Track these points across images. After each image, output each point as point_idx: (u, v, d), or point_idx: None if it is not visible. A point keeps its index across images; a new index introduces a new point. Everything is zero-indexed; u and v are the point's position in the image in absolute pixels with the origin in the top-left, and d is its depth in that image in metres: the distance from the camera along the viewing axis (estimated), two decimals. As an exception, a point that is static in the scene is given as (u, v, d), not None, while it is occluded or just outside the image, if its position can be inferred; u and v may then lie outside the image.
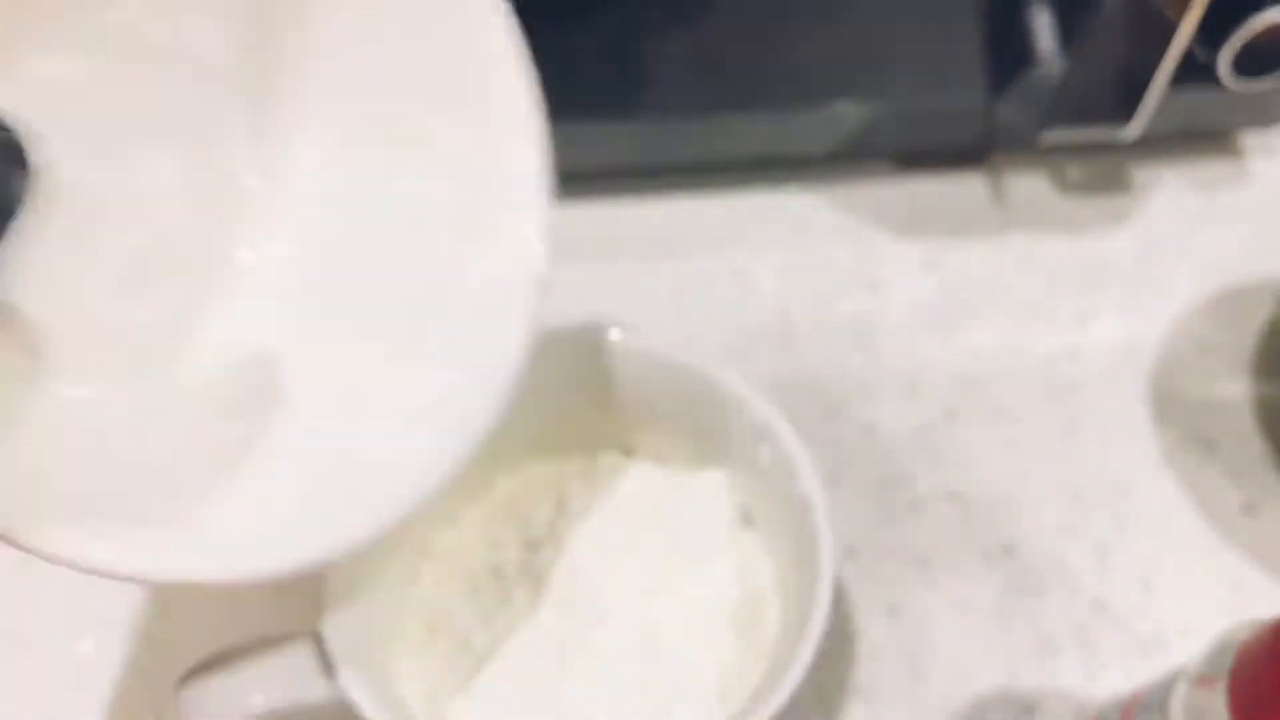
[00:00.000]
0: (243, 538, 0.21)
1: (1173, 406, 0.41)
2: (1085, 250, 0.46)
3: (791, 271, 0.45)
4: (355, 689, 0.24)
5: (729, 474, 0.31)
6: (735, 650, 0.29)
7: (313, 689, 0.25)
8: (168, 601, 0.37)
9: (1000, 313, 0.44)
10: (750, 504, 0.31)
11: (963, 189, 0.48)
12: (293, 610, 0.37)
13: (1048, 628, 0.36)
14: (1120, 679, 0.35)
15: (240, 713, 0.25)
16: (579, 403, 0.32)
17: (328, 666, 0.25)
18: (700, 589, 0.30)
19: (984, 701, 0.35)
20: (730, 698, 0.28)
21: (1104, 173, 0.49)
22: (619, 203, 0.48)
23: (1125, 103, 0.39)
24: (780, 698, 0.24)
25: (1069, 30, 0.41)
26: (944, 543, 0.38)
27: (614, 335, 0.29)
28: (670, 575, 0.30)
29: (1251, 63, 0.38)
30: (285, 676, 0.25)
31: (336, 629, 0.25)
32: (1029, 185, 0.48)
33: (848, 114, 0.45)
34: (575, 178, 0.48)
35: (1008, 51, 0.43)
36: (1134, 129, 0.40)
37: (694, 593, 0.30)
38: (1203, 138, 0.48)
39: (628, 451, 0.34)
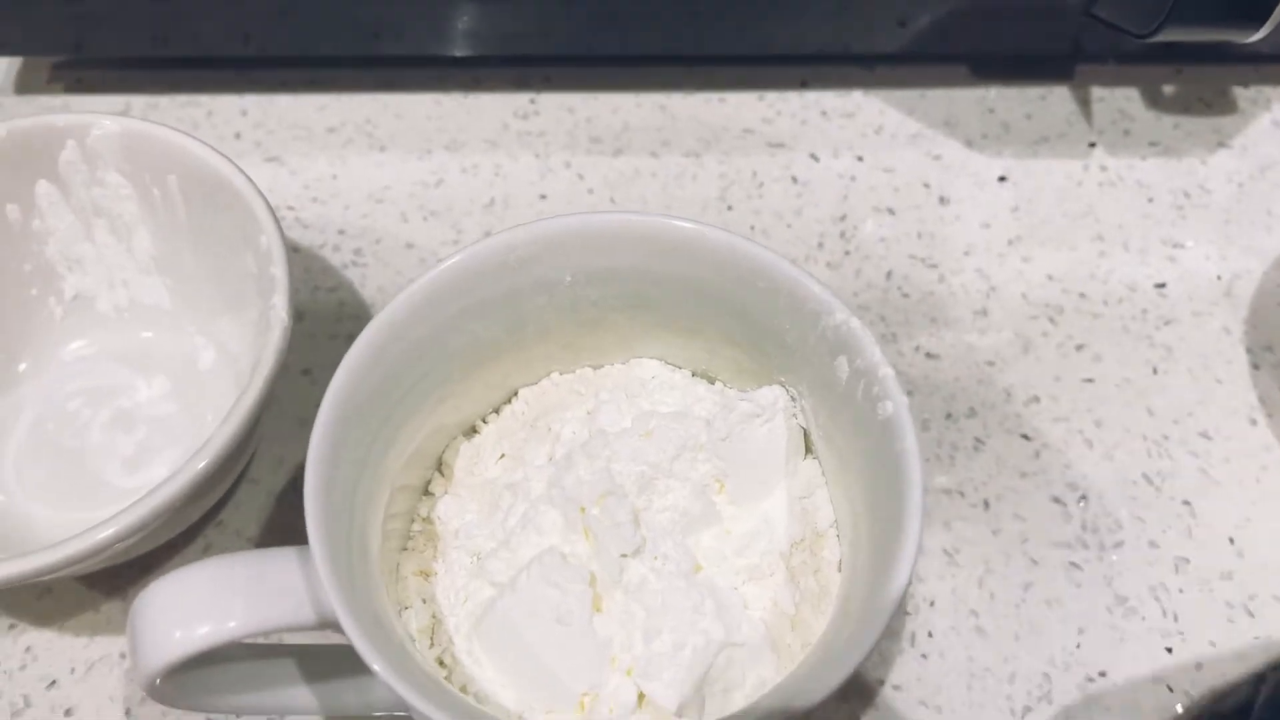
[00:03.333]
0: None
1: (1271, 350, 0.37)
2: (1179, 174, 0.42)
3: (857, 179, 0.41)
4: (345, 613, 0.21)
5: (791, 392, 0.27)
6: (788, 594, 0.25)
7: (295, 614, 0.22)
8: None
9: (1082, 237, 0.40)
10: (813, 430, 0.27)
11: (1044, 100, 0.43)
12: (292, 513, 0.34)
13: (1124, 585, 0.33)
14: (1203, 646, 0.32)
15: (205, 641, 0.21)
16: (616, 304, 0.28)
17: (314, 590, 0.22)
18: (752, 523, 0.26)
19: (1049, 662, 0.31)
20: (782, 646, 0.25)
21: (1203, 91, 0.44)
22: (667, 94, 0.43)
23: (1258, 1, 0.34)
24: (857, 656, 0.20)
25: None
26: (1011, 485, 0.34)
27: (677, 222, 0.25)
28: (718, 506, 0.26)
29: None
30: (262, 598, 0.21)
31: (326, 546, 0.21)
32: (1118, 100, 0.44)
33: (923, 5, 0.40)
34: (621, 63, 0.44)
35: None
36: (1262, 33, 0.35)
37: (745, 527, 0.26)
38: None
39: (671, 365, 0.30)
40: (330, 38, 0.41)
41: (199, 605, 0.21)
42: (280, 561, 0.22)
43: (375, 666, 0.20)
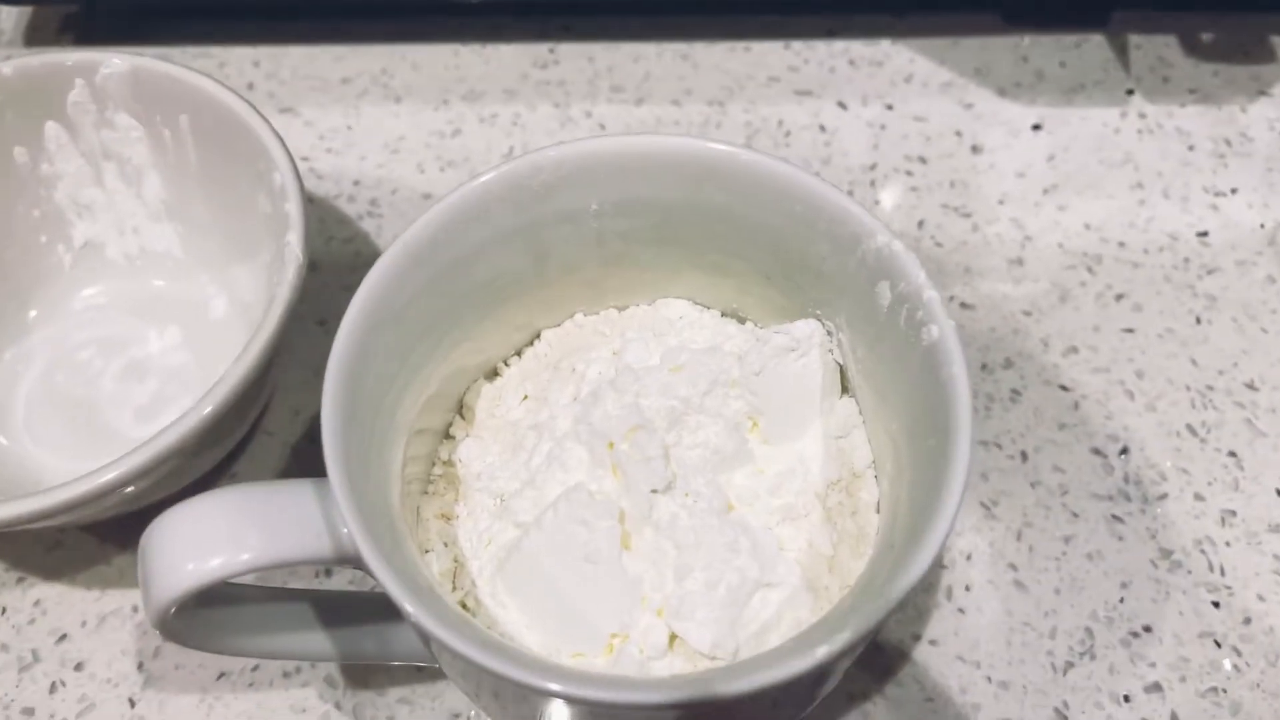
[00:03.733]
0: None
1: (1319, 299, 0.36)
2: (1219, 122, 0.40)
3: (886, 127, 0.40)
4: (368, 547, 0.20)
5: (827, 325, 0.26)
6: (824, 535, 0.24)
7: (313, 547, 0.21)
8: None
9: (1120, 185, 0.39)
10: (850, 365, 0.26)
11: (1081, 48, 0.42)
12: (308, 464, 0.33)
13: (1168, 538, 0.31)
14: (1251, 600, 0.30)
15: (218, 572, 0.20)
16: (643, 238, 0.27)
17: (331, 523, 0.21)
18: (787, 463, 0.25)
19: (1091, 616, 0.30)
20: (818, 588, 0.23)
21: (1242, 37, 0.42)
22: (689, 43, 0.42)
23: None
24: (899, 591, 0.19)
25: None
26: (1051, 437, 0.33)
27: (706, 143, 0.24)
28: (751, 444, 0.25)
29: None
30: (278, 529, 0.20)
31: (344, 477, 0.20)
32: (1156, 47, 0.42)
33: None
34: (642, 11, 0.43)
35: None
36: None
37: (779, 466, 0.25)
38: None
39: (699, 305, 0.29)
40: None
41: (212, 535, 0.20)
42: (297, 492, 0.21)
43: (403, 603, 0.19)
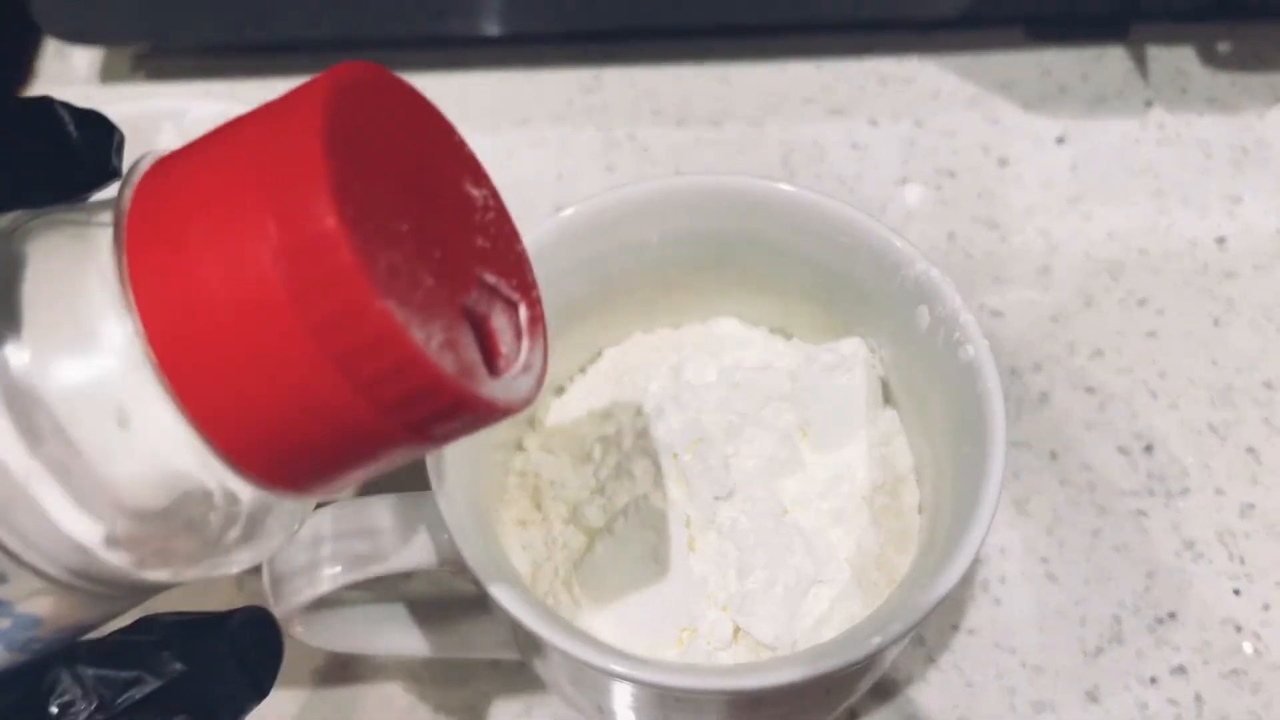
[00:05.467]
0: None
1: (1333, 300, 0.38)
2: (1237, 129, 0.42)
3: (915, 143, 0.42)
4: (469, 552, 0.22)
5: (869, 343, 0.28)
6: (871, 535, 0.26)
7: (416, 556, 0.23)
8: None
9: (1141, 194, 0.40)
10: (892, 378, 0.28)
11: (1100, 61, 0.44)
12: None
13: (1191, 530, 0.33)
14: (1269, 588, 0.32)
15: (338, 581, 0.23)
16: (699, 263, 0.29)
17: (433, 530, 0.23)
18: (835, 469, 0.27)
19: (1120, 606, 0.32)
20: (868, 584, 0.26)
21: (1258, 47, 0.44)
22: (727, 65, 0.44)
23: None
24: (944, 587, 0.21)
25: None
26: (1078, 436, 0.35)
27: (755, 182, 0.26)
28: (802, 453, 0.28)
29: None
30: (389, 540, 0.23)
31: (442, 492, 0.23)
32: (1174, 58, 0.44)
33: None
34: (682, 34, 0.45)
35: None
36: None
37: (828, 473, 0.27)
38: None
39: (748, 323, 0.31)
40: (399, 18, 0.43)
41: (331, 549, 0.22)
42: (401, 506, 0.23)
43: (504, 602, 0.21)
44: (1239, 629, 0.32)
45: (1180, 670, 0.31)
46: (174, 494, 0.16)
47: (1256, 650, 0.31)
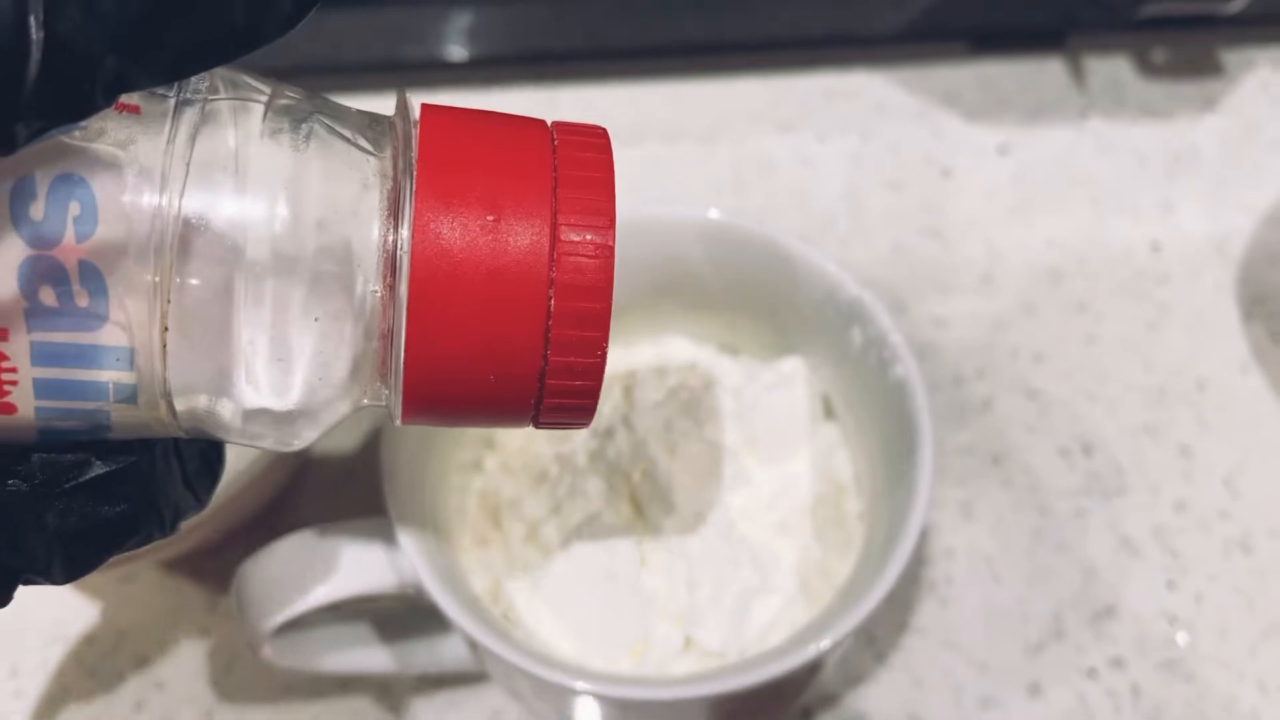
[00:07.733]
0: None
1: (1262, 302, 0.39)
2: (1170, 137, 0.44)
3: (860, 157, 0.43)
4: (427, 576, 0.23)
5: (810, 361, 0.29)
6: (816, 545, 0.28)
7: (380, 580, 0.24)
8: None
9: (1079, 202, 0.42)
10: (832, 393, 0.29)
11: (1040, 72, 0.46)
12: (350, 500, 0.36)
13: (1128, 529, 0.35)
14: (1203, 582, 0.34)
15: (303, 606, 0.24)
16: (646, 288, 0.30)
17: (393, 554, 0.24)
18: (779, 482, 0.29)
19: (1060, 602, 0.34)
20: (812, 593, 0.27)
21: (1191, 56, 0.46)
22: (678, 83, 0.45)
23: (1234, -28, 0.36)
24: (880, 591, 0.23)
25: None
26: (1020, 440, 0.37)
27: (699, 213, 0.27)
28: (748, 468, 0.29)
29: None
30: (351, 565, 0.24)
31: (400, 518, 0.24)
32: (1110, 68, 0.46)
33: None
34: (633, 55, 0.46)
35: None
36: (1238, 4, 0.37)
37: (772, 486, 0.29)
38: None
39: (697, 340, 0.32)
40: (350, 44, 0.44)
41: (297, 575, 0.23)
42: (362, 532, 0.24)
43: (463, 623, 0.23)
44: (1173, 621, 0.33)
45: (1118, 662, 0.33)
46: (332, 394, 0.16)
47: (1190, 641, 0.33)
